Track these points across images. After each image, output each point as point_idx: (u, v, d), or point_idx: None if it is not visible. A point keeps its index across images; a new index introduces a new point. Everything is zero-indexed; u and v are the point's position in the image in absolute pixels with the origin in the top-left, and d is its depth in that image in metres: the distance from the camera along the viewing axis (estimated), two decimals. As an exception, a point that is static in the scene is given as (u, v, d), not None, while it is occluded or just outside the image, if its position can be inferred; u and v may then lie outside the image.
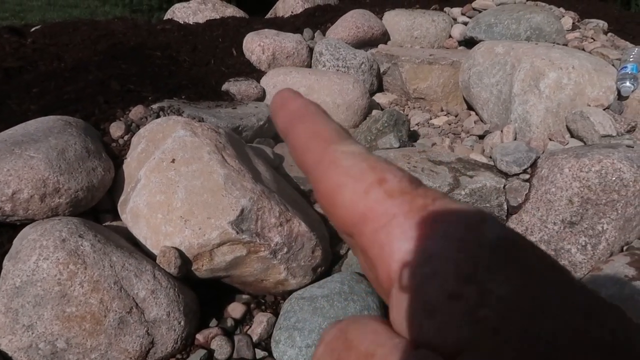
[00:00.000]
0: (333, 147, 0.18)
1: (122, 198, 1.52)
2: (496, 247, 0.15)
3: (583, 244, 1.57)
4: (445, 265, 0.14)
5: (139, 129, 1.71)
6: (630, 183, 1.53)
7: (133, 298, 1.22)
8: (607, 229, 1.55)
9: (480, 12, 3.15)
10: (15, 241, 1.27)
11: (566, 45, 2.69)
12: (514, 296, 0.14)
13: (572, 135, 2.10)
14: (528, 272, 0.14)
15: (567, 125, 2.12)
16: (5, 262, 1.22)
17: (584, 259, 1.56)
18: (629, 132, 2.00)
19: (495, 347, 0.13)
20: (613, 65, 2.32)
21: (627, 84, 2.08)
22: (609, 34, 2.89)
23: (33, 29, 2.80)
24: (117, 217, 1.52)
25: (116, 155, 1.63)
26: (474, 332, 0.14)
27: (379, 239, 0.16)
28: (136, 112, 1.80)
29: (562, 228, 1.58)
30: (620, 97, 2.12)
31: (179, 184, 1.40)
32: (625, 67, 2.15)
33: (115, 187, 1.56)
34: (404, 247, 0.15)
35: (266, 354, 1.35)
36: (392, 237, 0.15)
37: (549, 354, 0.13)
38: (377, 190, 0.16)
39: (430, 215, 0.15)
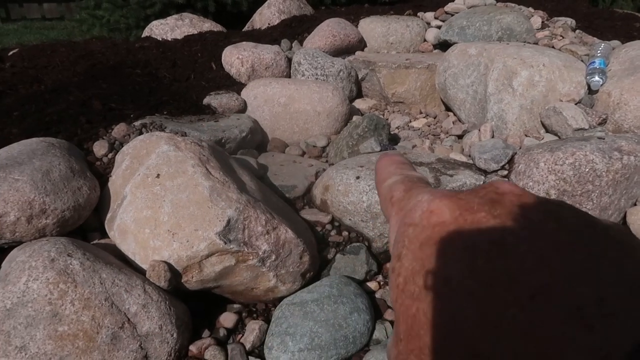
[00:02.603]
0: (387, 181, 0.32)
1: (108, 215, 1.53)
2: None
3: (562, 234, 1.61)
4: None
5: (122, 146, 1.73)
6: (603, 173, 1.59)
7: (125, 313, 1.24)
8: (584, 218, 1.60)
9: (452, 15, 3.22)
10: (4, 264, 1.28)
11: (536, 43, 2.77)
12: None
13: (546, 131, 2.17)
14: None
15: (541, 121, 2.18)
16: (-6, 285, 1.22)
17: (564, 249, 1.61)
18: (600, 124, 2.07)
19: None
20: (582, 60, 2.40)
21: (596, 78, 2.16)
22: (577, 30, 2.98)
23: (10, 53, 2.80)
24: (104, 234, 1.53)
25: (101, 174, 1.65)
26: None
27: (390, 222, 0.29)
28: (119, 130, 1.82)
29: (541, 220, 1.63)
30: (591, 91, 2.19)
31: (164, 199, 1.42)
32: (594, 62, 2.23)
33: (101, 205, 1.58)
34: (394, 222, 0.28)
35: (260, 360, 1.37)
36: (392, 221, 0.28)
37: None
38: (391, 200, 0.29)
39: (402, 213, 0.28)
